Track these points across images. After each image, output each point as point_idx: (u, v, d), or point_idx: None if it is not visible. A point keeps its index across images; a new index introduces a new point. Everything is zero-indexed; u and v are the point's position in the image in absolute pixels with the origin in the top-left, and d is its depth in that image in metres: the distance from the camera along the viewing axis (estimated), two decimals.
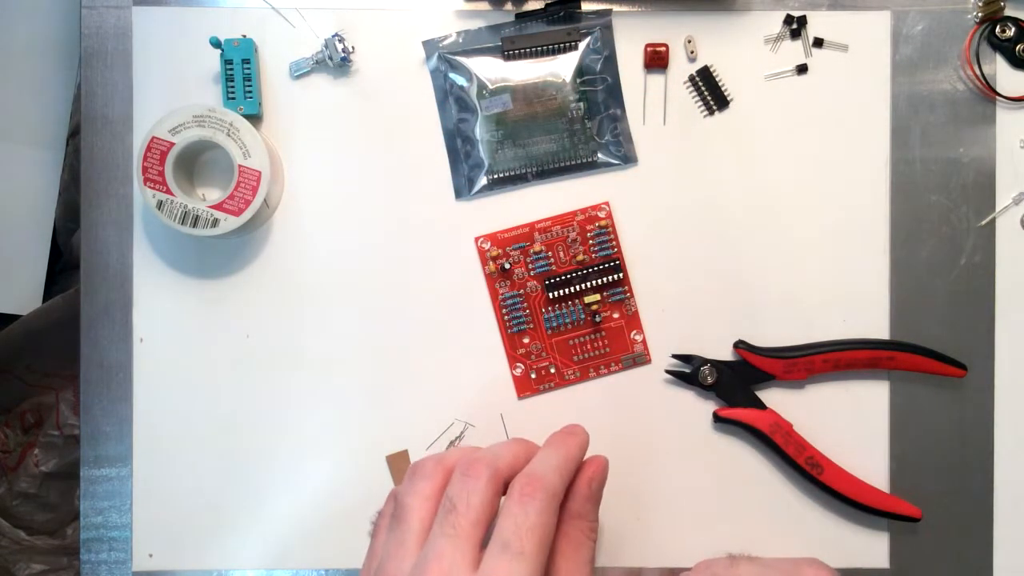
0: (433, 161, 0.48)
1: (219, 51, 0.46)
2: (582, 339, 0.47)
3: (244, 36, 0.46)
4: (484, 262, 0.47)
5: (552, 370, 0.47)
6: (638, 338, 0.47)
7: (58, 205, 0.61)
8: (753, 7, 0.48)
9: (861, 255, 0.48)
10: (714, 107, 0.47)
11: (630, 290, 0.47)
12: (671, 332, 0.48)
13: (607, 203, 0.47)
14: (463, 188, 0.48)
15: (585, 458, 0.40)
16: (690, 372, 0.47)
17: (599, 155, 0.47)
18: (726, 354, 0.48)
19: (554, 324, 0.47)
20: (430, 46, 0.47)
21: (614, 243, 0.47)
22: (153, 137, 0.43)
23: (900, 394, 0.48)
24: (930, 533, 0.48)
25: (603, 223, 0.47)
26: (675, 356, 0.47)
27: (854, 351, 0.46)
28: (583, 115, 0.47)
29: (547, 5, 0.47)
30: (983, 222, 0.48)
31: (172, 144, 0.43)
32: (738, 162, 0.48)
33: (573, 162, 0.47)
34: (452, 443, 0.48)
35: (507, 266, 0.47)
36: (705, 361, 0.47)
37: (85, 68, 0.48)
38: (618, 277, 0.47)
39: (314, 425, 0.48)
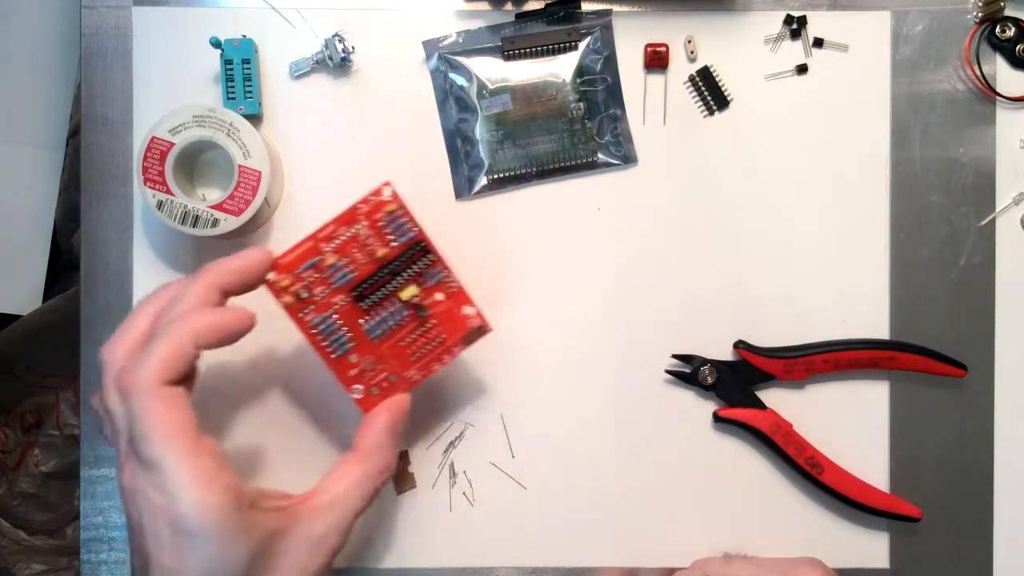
0: (433, 161, 0.48)
1: (219, 51, 0.46)
2: (412, 336, 0.42)
3: (244, 36, 0.46)
4: (278, 295, 0.40)
5: (393, 378, 0.42)
6: (471, 311, 0.42)
7: (58, 205, 0.61)
8: (753, 7, 0.47)
9: (861, 255, 0.48)
10: (714, 107, 0.47)
11: (445, 267, 0.42)
12: (671, 332, 0.48)
13: (388, 183, 0.40)
14: (463, 188, 0.48)
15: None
16: (690, 372, 0.47)
17: (599, 155, 0.47)
18: (726, 354, 0.48)
19: (377, 332, 0.41)
20: (430, 46, 0.47)
21: (411, 225, 0.41)
22: (153, 137, 0.43)
23: (900, 394, 0.48)
24: (930, 533, 0.48)
25: (391, 208, 0.40)
26: (675, 356, 0.47)
27: (854, 351, 0.46)
28: (583, 115, 0.47)
29: (547, 5, 0.47)
30: (983, 222, 0.48)
31: (172, 144, 0.43)
32: (738, 162, 0.48)
33: (573, 162, 0.47)
34: (452, 444, 0.48)
35: (304, 294, 0.40)
36: (705, 361, 0.47)
37: (85, 68, 0.47)
38: (429, 260, 0.41)
39: (313, 425, 0.48)
